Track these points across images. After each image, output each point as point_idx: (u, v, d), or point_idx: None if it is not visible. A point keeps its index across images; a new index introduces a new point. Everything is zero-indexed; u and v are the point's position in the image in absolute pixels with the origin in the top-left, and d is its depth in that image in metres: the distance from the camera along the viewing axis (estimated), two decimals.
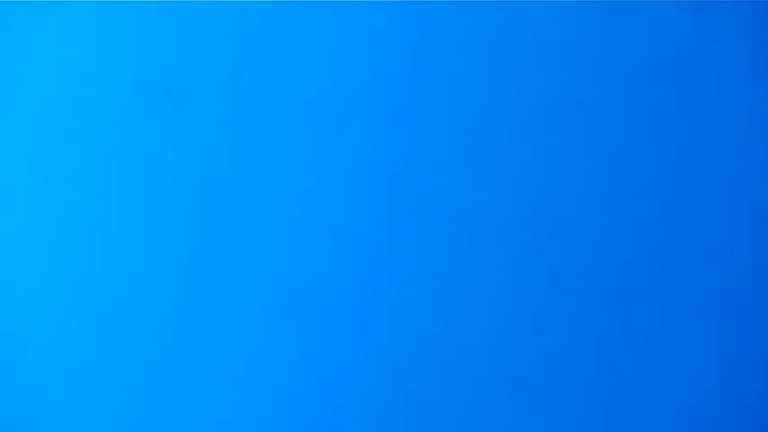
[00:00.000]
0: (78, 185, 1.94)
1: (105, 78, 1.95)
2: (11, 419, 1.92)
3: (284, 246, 1.93)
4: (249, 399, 1.93)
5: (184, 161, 1.94)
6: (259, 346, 1.93)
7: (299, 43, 1.94)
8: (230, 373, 1.93)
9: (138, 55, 1.95)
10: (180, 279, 1.93)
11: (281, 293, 1.93)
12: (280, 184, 1.93)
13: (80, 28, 1.95)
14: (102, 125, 1.95)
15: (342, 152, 1.93)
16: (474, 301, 1.92)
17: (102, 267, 1.94)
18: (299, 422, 1.93)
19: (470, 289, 1.92)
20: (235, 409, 1.93)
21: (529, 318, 1.91)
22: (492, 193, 1.92)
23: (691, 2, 1.92)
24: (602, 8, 1.92)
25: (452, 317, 1.92)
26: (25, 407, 1.92)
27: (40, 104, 1.95)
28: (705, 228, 1.91)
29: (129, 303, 1.94)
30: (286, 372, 1.93)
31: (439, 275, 1.92)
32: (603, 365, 1.91)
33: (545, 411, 1.91)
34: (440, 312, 1.92)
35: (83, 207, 1.94)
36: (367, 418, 1.93)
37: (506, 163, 1.92)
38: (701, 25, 1.92)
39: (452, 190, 1.92)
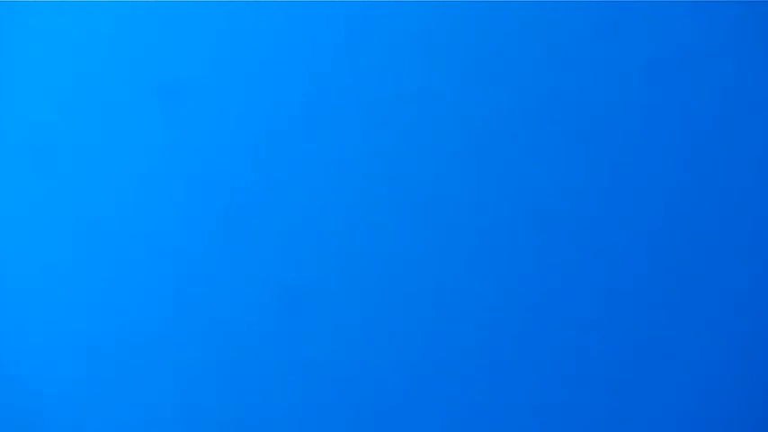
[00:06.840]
0: (76, 185, 1.95)
1: (103, 78, 1.95)
2: (11, 419, 1.93)
3: (283, 245, 1.93)
4: (249, 398, 1.94)
5: (183, 160, 1.94)
6: (258, 346, 1.93)
7: (298, 43, 1.94)
8: (230, 373, 1.93)
9: (136, 55, 1.95)
10: (178, 278, 1.93)
11: (281, 293, 1.93)
12: (278, 184, 1.94)
13: (79, 27, 1.95)
14: (101, 124, 1.95)
15: (340, 152, 1.93)
16: (474, 300, 1.92)
17: (100, 266, 1.94)
18: (299, 422, 1.93)
19: (471, 289, 1.92)
20: (234, 408, 1.93)
21: (528, 317, 1.92)
22: (493, 192, 1.92)
23: (691, 2, 1.92)
24: (603, 8, 1.92)
25: (452, 317, 1.92)
26: (25, 407, 1.93)
27: (38, 104, 1.95)
28: (706, 227, 1.91)
29: (129, 303, 1.94)
30: (287, 372, 1.93)
31: (438, 275, 1.92)
32: (603, 366, 1.91)
33: (545, 411, 1.91)
34: (439, 312, 1.92)
35: (80, 206, 1.94)
36: (367, 419, 1.93)
37: (507, 163, 1.92)
38: (702, 25, 1.92)
39: (452, 189, 1.93)
